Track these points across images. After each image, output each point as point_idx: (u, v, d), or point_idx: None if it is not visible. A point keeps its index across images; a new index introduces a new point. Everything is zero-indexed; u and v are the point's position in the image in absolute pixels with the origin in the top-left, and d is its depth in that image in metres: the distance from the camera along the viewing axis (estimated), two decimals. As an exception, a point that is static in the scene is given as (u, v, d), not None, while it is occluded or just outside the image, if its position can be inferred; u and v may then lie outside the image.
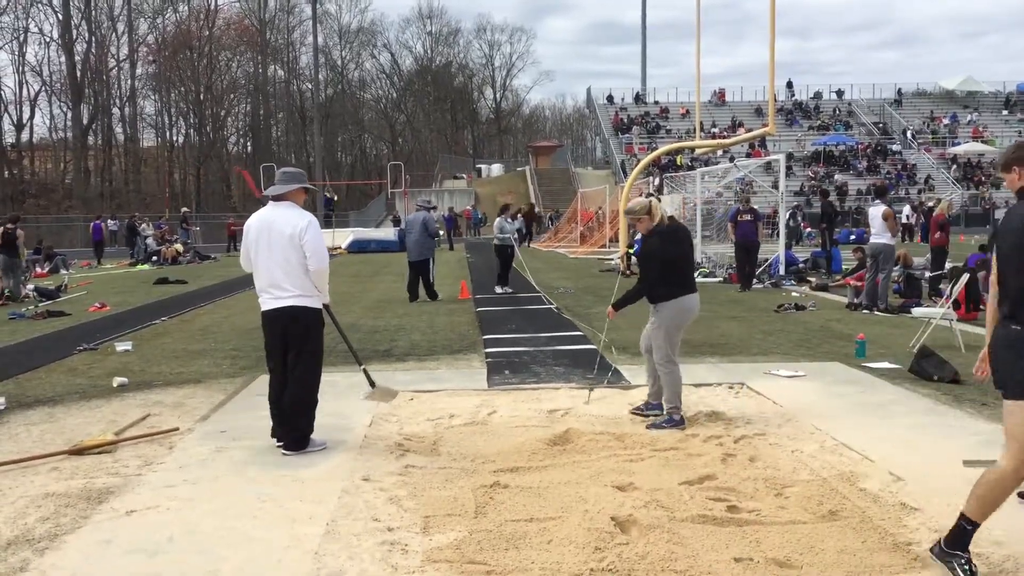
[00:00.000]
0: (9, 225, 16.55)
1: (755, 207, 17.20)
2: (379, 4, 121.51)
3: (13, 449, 5.64)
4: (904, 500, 4.37)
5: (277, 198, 5.56)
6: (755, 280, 16.10)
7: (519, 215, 14.78)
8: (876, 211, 12.25)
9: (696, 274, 18.64)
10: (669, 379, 6.02)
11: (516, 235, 16.09)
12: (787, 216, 22.98)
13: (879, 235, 12.09)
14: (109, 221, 44.45)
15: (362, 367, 6.12)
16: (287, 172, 5.68)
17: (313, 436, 5.57)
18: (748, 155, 44.58)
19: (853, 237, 30.46)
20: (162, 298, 16.05)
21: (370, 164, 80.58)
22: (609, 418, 6.21)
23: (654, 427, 5.94)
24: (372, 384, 6.01)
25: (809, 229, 30.63)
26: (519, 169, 65.35)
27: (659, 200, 6.27)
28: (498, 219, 16.16)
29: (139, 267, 26.36)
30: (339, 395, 6.81)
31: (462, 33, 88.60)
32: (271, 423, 5.63)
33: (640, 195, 25.41)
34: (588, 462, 5.12)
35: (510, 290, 15.50)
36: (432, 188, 56.72)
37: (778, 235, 19.08)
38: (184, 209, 37.26)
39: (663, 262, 5.97)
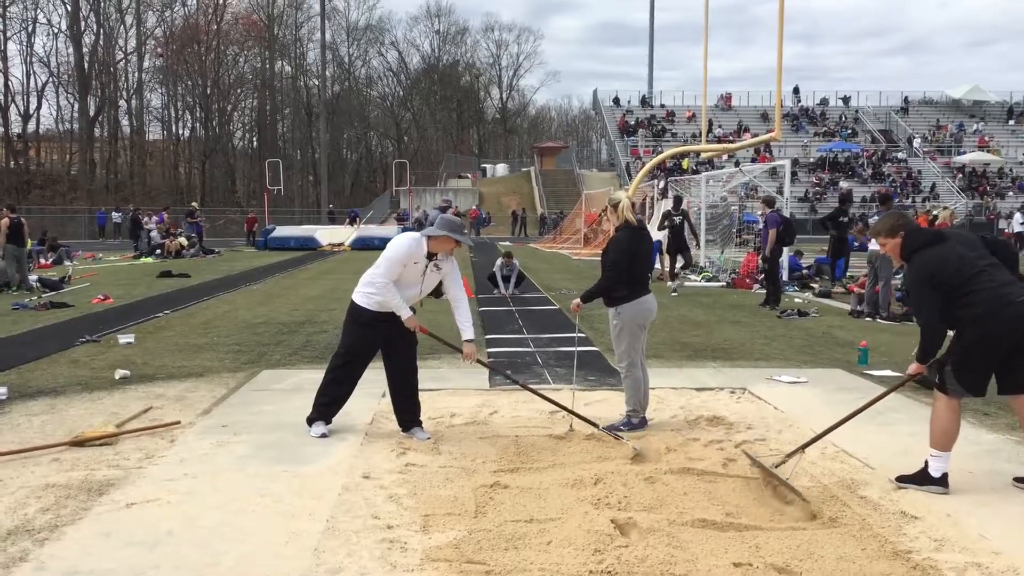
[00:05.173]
0: (11, 215, 16.57)
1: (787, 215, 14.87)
2: (387, 2, 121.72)
3: (14, 439, 5.65)
4: (904, 508, 4.37)
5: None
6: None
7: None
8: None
9: (699, 278, 18.92)
10: (631, 382, 5.97)
11: None
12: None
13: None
14: (114, 213, 44.73)
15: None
16: (444, 219, 5.75)
17: (315, 422, 5.77)
18: (754, 160, 44.62)
19: (857, 244, 30.39)
20: (165, 291, 16.06)
21: (375, 162, 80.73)
22: (610, 420, 6.19)
23: (608, 429, 5.74)
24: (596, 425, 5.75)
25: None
26: (524, 169, 65.52)
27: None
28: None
29: (143, 260, 26.39)
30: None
31: (470, 32, 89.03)
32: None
33: (644, 198, 25.49)
34: (589, 464, 5.12)
35: None
36: (437, 187, 56.87)
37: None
38: (192, 204, 37.48)
39: (631, 256, 5.89)
